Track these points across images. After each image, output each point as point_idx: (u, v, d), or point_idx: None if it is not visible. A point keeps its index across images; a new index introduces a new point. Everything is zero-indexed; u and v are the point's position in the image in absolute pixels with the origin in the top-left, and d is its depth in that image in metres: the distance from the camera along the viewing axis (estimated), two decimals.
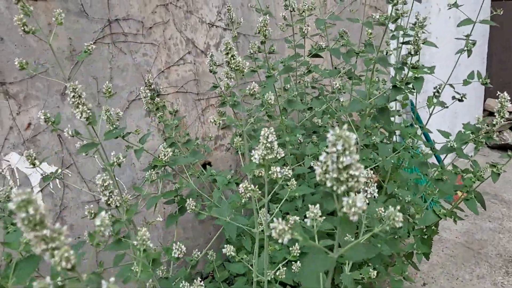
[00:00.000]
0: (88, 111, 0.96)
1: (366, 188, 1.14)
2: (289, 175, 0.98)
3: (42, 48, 1.76)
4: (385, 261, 1.80)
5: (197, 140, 1.87)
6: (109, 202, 0.97)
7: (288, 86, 1.88)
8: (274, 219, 0.63)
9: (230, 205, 1.30)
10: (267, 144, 0.90)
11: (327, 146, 0.61)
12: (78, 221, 1.95)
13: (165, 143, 1.65)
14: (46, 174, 1.46)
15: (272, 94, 1.15)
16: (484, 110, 4.57)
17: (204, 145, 2.25)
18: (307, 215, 0.82)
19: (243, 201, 1.38)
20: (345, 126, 0.60)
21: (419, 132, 2.18)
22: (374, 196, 1.15)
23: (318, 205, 0.82)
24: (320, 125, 1.77)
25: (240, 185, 0.95)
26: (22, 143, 1.77)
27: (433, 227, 1.83)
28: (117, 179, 2.05)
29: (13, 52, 1.69)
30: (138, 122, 2.08)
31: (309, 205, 0.82)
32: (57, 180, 1.89)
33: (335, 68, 2.10)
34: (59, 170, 1.90)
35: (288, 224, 0.62)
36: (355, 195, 0.60)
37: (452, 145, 1.38)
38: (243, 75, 1.08)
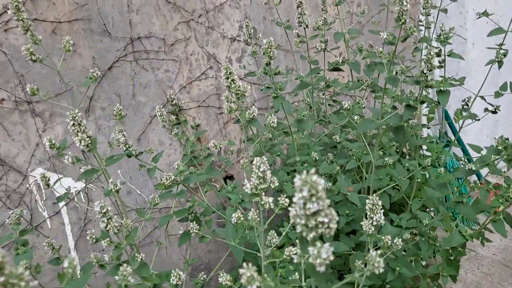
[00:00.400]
0: (88, 139, 0.98)
1: (372, 215, 1.10)
2: (286, 204, 0.96)
3: (67, 67, 1.83)
4: (407, 283, 1.72)
5: (212, 160, 1.86)
6: (107, 229, 0.99)
7: (308, 100, 1.85)
8: (244, 264, 0.61)
9: (236, 227, 1.29)
10: (259, 174, 0.88)
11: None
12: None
13: (180, 160, 1.66)
14: (69, 189, 1.51)
15: (274, 118, 1.13)
16: None
17: (226, 158, 2.26)
18: (295, 251, 0.80)
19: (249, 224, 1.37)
20: (313, 171, 0.57)
21: (450, 143, 2.08)
22: (380, 224, 1.10)
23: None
24: (338, 141, 1.73)
25: (233, 215, 0.94)
26: (48, 159, 1.84)
27: (459, 249, 1.73)
28: (139, 192, 2.10)
29: (39, 72, 1.77)
30: (160, 137, 2.11)
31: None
32: (81, 194, 1.95)
33: (358, 80, 2.05)
34: (84, 185, 1.96)
35: (255, 271, 0.60)
36: (323, 243, 0.58)
37: (470, 168, 1.30)
38: (239, 98, 1.07)
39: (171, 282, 1.02)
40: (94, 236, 1.04)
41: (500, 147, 1.69)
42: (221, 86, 2.29)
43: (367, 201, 1.08)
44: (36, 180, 1.82)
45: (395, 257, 1.54)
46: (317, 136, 1.82)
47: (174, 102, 2.10)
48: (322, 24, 1.72)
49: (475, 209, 1.44)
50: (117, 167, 2.02)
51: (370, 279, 1.55)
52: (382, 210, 1.11)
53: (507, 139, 1.82)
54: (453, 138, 3.16)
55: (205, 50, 2.20)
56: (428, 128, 2.26)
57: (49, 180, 1.30)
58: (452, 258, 1.76)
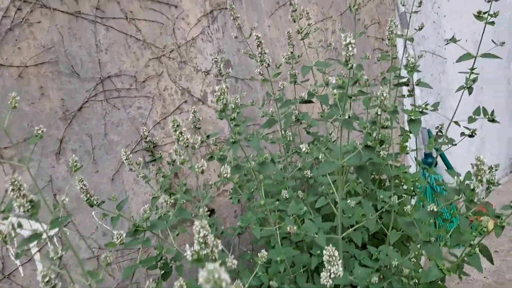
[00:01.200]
0: (27, 204, 0.95)
1: (329, 267, 1.07)
2: (234, 265, 0.93)
3: (34, 111, 1.81)
4: None
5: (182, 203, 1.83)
6: None
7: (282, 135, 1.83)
8: None
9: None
10: (199, 239, 0.85)
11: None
12: (76, 279, 1.97)
13: (148, 205, 1.63)
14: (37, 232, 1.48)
15: (228, 168, 1.11)
16: None
17: (204, 193, 2.23)
18: None
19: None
20: (217, 265, 0.54)
21: (427, 172, 2.06)
22: (339, 276, 1.07)
23: None
24: (310, 176, 1.70)
25: (175, 283, 0.91)
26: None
27: (439, 282, 1.69)
28: (115, 233, 2.06)
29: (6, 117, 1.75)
30: (134, 174, 2.09)
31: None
32: (55, 238, 1.92)
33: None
34: (57, 229, 1.93)
35: None
36: None
37: (433, 209, 1.26)
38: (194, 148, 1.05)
39: None
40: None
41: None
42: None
43: (324, 252, 1.05)
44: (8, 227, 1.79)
45: None
46: (291, 170, 1.80)
47: (148, 139, 2.08)
48: (289, 59, 1.71)
49: (440, 252, 1.40)
50: (92, 208, 1.99)
51: None
52: (340, 262, 1.08)
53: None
54: (439, 157, 3.14)
55: (178, 84, 2.20)
56: (407, 153, 2.24)
57: (19, 227, 1.27)
58: None
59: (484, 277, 2.74)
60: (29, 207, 0.95)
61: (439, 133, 1.94)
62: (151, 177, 2.15)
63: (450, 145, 2.03)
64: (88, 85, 1.93)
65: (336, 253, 1.06)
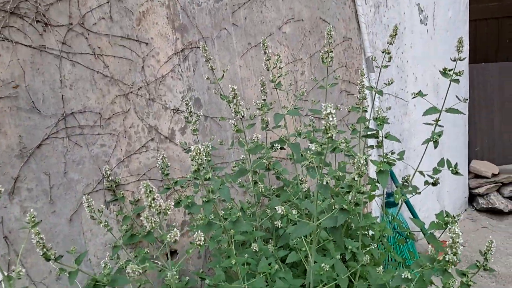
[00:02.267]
0: None
1: None
2: None
3: None
4: None
5: (146, 252, 1.76)
6: None
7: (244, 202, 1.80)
8: None
9: None
10: None
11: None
12: None
13: (108, 257, 1.54)
14: None
15: (201, 234, 1.07)
16: (470, 172, 4.47)
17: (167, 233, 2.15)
18: None
19: None
20: None
21: (392, 220, 2.08)
22: None
23: None
24: (280, 226, 1.67)
25: None
26: None
27: None
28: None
29: None
30: (95, 215, 1.98)
31: None
32: (3, 284, 1.77)
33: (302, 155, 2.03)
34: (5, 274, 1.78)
35: None
36: None
37: (406, 276, 1.27)
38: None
39: None
40: None
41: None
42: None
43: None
44: None
45: None
46: (260, 221, 1.76)
47: (110, 178, 1.99)
48: (262, 107, 1.70)
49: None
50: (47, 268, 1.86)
51: None
52: None
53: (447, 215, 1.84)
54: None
55: (145, 122, 2.13)
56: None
57: None
58: None
59: None
60: None
61: (405, 183, 1.98)
62: (112, 217, 2.05)
63: (414, 194, 2.08)
64: (49, 122, 1.83)
65: None
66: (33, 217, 1.19)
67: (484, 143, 4.40)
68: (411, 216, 3.07)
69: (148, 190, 0.96)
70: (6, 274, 1.07)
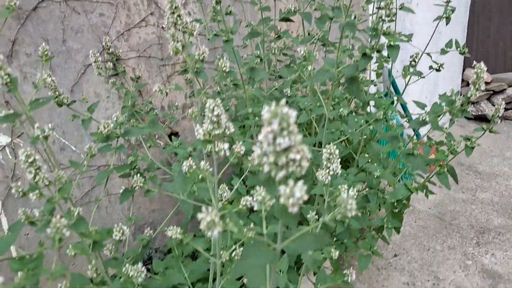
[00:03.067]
0: (6, 77, 0.82)
1: (328, 165, 1.06)
2: (241, 152, 0.88)
3: None
4: (354, 235, 1.75)
5: (155, 113, 1.73)
6: (36, 180, 0.86)
7: (258, 53, 1.75)
8: (203, 207, 0.53)
9: (186, 180, 1.20)
10: (212, 118, 0.79)
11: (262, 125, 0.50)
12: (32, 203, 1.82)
13: (119, 112, 1.52)
14: None
15: (227, 61, 1.04)
16: (463, 80, 4.51)
17: (170, 114, 2.13)
18: (255, 198, 0.73)
19: (200, 176, 1.28)
20: (283, 101, 0.49)
21: (396, 101, 2.10)
22: (337, 173, 1.06)
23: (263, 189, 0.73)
24: (289, 95, 1.66)
25: (184, 163, 0.85)
26: None
27: (404, 201, 1.77)
28: (73, 148, 1.93)
29: None
30: (96, 89, 1.93)
31: (257, 187, 0.73)
32: (7, 150, 1.75)
33: (309, 34, 1.98)
34: (9, 140, 1.76)
35: (216, 215, 0.52)
36: (295, 182, 0.51)
37: (424, 118, 1.30)
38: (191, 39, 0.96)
39: (114, 237, 0.92)
40: (20, 189, 0.90)
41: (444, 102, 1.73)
42: (164, 35, 2.13)
43: (324, 150, 1.03)
44: None
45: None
46: (268, 90, 1.74)
47: (110, 50, 1.91)
48: None
49: (423, 162, 1.45)
50: (48, 119, 1.83)
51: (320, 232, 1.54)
52: (339, 160, 1.06)
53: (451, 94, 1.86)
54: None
55: None
56: (375, 85, 2.27)
57: None
58: (396, 211, 1.80)
59: (429, 208, 2.94)
60: (8, 79, 0.82)
61: (413, 63, 1.96)
62: (114, 92, 2.01)
63: (419, 77, 2.08)
64: None
65: (337, 151, 1.04)
66: (45, 50, 1.13)
67: (479, 51, 4.40)
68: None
69: (174, 6, 0.91)
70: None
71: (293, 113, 0.48)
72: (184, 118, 2.33)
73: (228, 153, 0.81)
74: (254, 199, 0.72)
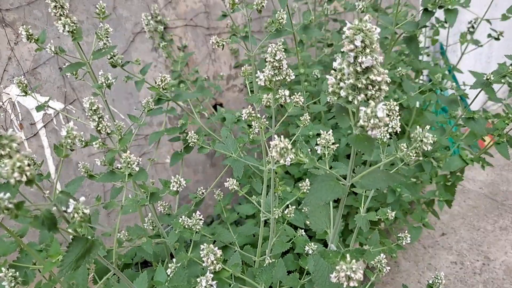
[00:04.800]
0: (73, 24, 0.83)
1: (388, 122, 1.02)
2: (301, 102, 0.86)
3: None
4: (404, 207, 1.69)
5: (204, 79, 1.73)
6: (99, 128, 0.87)
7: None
8: (275, 136, 0.52)
9: (237, 141, 1.19)
10: (274, 63, 0.77)
11: (342, 45, 0.48)
12: (84, 159, 1.88)
13: (170, 75, 1.53)
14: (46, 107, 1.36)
15: (283, 13, 1.01)
16: None
17: (215, 84, 2.13)
18: (318, 142, 0.71)
19: (251, 137, 1.27)
20: (366, 17, 0.46)
21: (452, 69, 2.01)
22: (396, 132, 1.02)
23: (330, 131, 0.71)
24: None
25: (243, 111, 0.84)
26: (22, 75, 1.68)
27: (458, 174, 1.70)
28: (123, 117, 1.97)
29: None
30: (144, 57, 1.95)
31: (321, 131, 0.71)
32: (61, 116, 1.81)
33: None
34: (62, 106, 1.81)
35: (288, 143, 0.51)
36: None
37: (488, 77, 1.22)
38: None
39: (171, 188, 0.93)
40: (83, 139, 0.92)
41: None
42: (210, 4, 2.11)
43: (384, 106, 0.99)
44: (11, 98, 1.67)
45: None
46: (317, 56, 1.70)
47: (159, 18, 1.92)
48: None
49: (484, 125, 1.37)
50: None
51: (372, 202, 1.50)
52: (399, 117, 1.02)
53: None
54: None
55: None
56: (427, 55, 2.17)
57: (26, 86, 1.16)
58: (449, 183, 1.74)
59: (480, 188, 2.82)
60: (74, 27, 0.83)
61: (471, 29, 1.86)
62: (161, 61, 2.02)
63: (477, 46, 1.97)
64: None
65: (397, 108, 1.00)
66: (102, 8, 1.14)
67: None
68: None
69: None
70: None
71: (377, 30, 0.45)
72: (228, 89, 2.32)
73: (288, 100, 0.79)
74: (317, 142, 0.69)
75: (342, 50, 0.47)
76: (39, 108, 1.16)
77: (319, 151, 0.69)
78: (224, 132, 1.49)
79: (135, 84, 1.34)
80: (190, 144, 1.12)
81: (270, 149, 0.51)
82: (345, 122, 0.53)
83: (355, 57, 0.46)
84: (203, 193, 1.24)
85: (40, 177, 1.21)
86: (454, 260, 2.30)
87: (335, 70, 0.52)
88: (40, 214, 0.48)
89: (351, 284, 0.48)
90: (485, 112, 1.71)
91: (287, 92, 0.79)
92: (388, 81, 0.48)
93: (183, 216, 0.93)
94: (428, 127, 0.57)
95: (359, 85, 0.47)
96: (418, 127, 0.59)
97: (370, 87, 0.48)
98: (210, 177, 2.38)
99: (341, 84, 0.49)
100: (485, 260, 2.27)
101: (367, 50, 0.45)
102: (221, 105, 2.30)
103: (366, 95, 0.48)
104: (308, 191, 0.94)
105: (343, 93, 0.49)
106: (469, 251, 2.34)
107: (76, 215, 0.50)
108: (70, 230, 0.54)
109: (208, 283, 0.64)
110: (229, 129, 1.50)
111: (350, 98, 0.49)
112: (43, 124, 1.76)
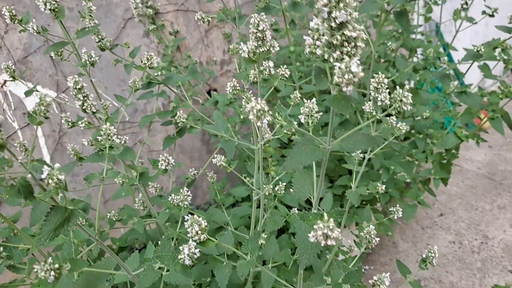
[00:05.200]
0: (54, 2, 0.82)
1: (377, 95, 1.01)
2: (287, 75, 0.85)
3: None
4: (399, 186, 1.69)
5: (195, 62, 1.72)
6: (84, 107, 0.87)
7: None
8: (252, 98, 0.51)
9: (227, 121, 1.19)
10: (258, 34, 0.76)
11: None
12: (79, 147, 1.88)
13: (161, 59, 1.52)
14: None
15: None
16: None
17: (208, 69, 2.12)
18: (302, 111, 0.70)
19: (241, 117, 1.27)
20: None
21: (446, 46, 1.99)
22: (386, 104, 1.01)
23: (314, 99, 0.70)
24: None
25: (228, 84, 0.83)
26: (13, 64, 1.67)
27: (453, 151, 1.69)
28: (116, 104, 1.96)
29: None
30: (135, 43, 1.94)
31: (304, 100, 0.70)
32: (54, 104, 1.80)
33: None
34: (55, 94, 1.80)
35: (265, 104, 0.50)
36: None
37: (479, 49, 1.21)
38: None
39: (159, 167, 0.93)
40: (69, 120, 0.92)
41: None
42: None
43: (372, 80, 0.98)
44: (2, 87, 1.66)
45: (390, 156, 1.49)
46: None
47: (149, 3, 1.91)
48: None
49: (478, 100, 1.37)
50: (91, 75, 1.86)
51: (366, 181, 1.50)
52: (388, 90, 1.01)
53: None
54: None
55: None
56: (422, 34, 2.15)
57: (14, 71, 1.15)
58: (445, 161, 1.73)
59: (478, 168, 2.82)
60: (56, 5, 0.82)
61: (464, 6, 1.84)
62: (152, 47, 2.01)
63: (470, 23, 1.95)
64: None
65: (385, 80, 0.99)
66: None
67: None
68: None
69: None
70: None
71: None
72: (222, 74, 2.31)
73: (273, 72, 0.78)
74: (301, 111, 0.69)
75: (316, 6, 0.46)
76: (27, 93, 1.15)
77: (302, 120, 0.68)
78: (216, 114, 1.48)
79: (125, 68, 1.33)
80: (179, 125, 1.11)
81: (248, 110, 0.50)
82: (324, 84, 0.52)
83: (329, 12, 0.45)
84: (194, 174, 1.24)
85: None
86: (453, 240, 2.31)
87: (311, 30, 0.51)
88: (16, 182, 0.47)
89: (329, 242, 0.48)
90: (480, 89, 1.70)
91: (271, 63, 0.78)
92: (364, 38, 0.47)
93: (172, 195, 0.93)
94: (407, 86, 0.57)
95: (335, 42, 0.47)
96: (397, 87, 0.58)
97: (345, 43, 0.47)
98: (205, 162, 2.37)
99: (318, 43, 0.49)
100: (484, 239, 2.28)
101: (341, 5, 0.44)
102: (215, 90, 2.28)
103: (342, 52, 0.47)
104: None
105: (319, 52, 0.48)
106: (467, 231, 2.34)
107: (50, 181, 0.50)
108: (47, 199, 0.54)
109: (191, 251, 0.64)
110: (222, 112, 1.50)
111: (326, 56, 0.48)
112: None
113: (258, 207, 1.17)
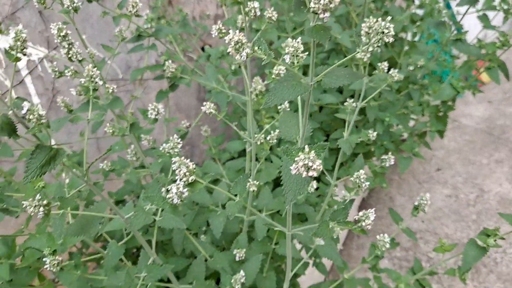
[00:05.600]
0: None
1: (367, 40, 0.99)
2: (274, 17, 0.83)
3: None
4: (395, 139, 1.69)
5: (186, 14, 1.68)
6: (69, 55, 0.85)
7: None
8: (230, 30, 0.50)
9: (217, 71, 1.17)
10: None
11: None
12: (74, 107, 1.87)
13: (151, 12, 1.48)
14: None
15: None
16: None
17: (201, 24, 2.07)
18: (286, 51, 0.69)
19: (233, 67, 1.25)
20: None
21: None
22: (375, 48, 1.00)
23: (299, 38, 0.68)
24: None
25: (213, 27, 0.81)
26: (2, 20, 1.63)
27: (449, 103, 1.68)
28: (109, 62, 1.94)
29: None
30: None
31: (289, 40, 0.68)
32: (45, 62, 1.78)
33: None
34: (47, 51, 1.77)
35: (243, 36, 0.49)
36: None
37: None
38: None
39: (149, 116, 0.92)
40: (56, 69, 0.91)
41: None
42: None
43: (363, 24, 0.96)
44: None
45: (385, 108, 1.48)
46: None
47: None
48: None
49: (475, 48, 1.34)
50: (81, 31, 1.82)
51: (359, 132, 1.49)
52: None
53: None
54: None
55: None
56: None
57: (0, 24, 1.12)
58: (441, 114, 1.72)
59: (476, 124, 2.81)
60: None
61: None
62: (144, 1, 1.96)
63: None
64: None
65: (376, 25, 0.97)
66: None
67: None
68: None
69: None
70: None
71: None
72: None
73: (259, 13, 0.76)
74: (286, 51, 0.67)
75: None
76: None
77: (287, 60, 0.67)
78: (209, 68, 1.47)
79: (113, 20, 1.31)
80: (168, 75, 1.10)
81: (226, 42, 0.49)
82: (303, 15, 0.50)
83: None
84: (187, 126, 1.24)
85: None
86: (449, 194, 2.33)
87: None
88: None
89: (310, 173, 0.48)
90: (479, 41, 1.67)
91: (256, 4, 0.76)
92: None
93: (164, 144, 0.93)
94: (389, 17, 0.55)
95: None
96: (379, 19, 0.57)
97: None
98: (204, 123, 2.37)
99: None
100: (480, 192, 2.30)
101: None
102: (210, 46, 2.25)
103: None
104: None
105: None
106: (464, 185, 2.37)
107: (32, 116, 0.50)
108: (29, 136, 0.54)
109: (179, 190, 0.65)
110: (215, 65, 1.48)
111: None
112: (27, 71, 1.73)
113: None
